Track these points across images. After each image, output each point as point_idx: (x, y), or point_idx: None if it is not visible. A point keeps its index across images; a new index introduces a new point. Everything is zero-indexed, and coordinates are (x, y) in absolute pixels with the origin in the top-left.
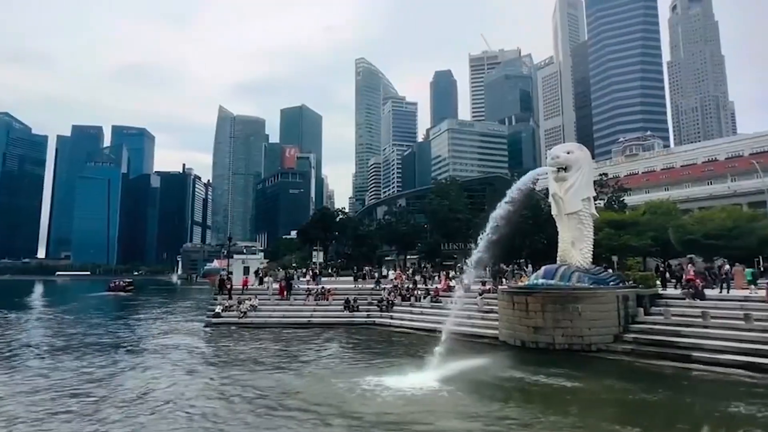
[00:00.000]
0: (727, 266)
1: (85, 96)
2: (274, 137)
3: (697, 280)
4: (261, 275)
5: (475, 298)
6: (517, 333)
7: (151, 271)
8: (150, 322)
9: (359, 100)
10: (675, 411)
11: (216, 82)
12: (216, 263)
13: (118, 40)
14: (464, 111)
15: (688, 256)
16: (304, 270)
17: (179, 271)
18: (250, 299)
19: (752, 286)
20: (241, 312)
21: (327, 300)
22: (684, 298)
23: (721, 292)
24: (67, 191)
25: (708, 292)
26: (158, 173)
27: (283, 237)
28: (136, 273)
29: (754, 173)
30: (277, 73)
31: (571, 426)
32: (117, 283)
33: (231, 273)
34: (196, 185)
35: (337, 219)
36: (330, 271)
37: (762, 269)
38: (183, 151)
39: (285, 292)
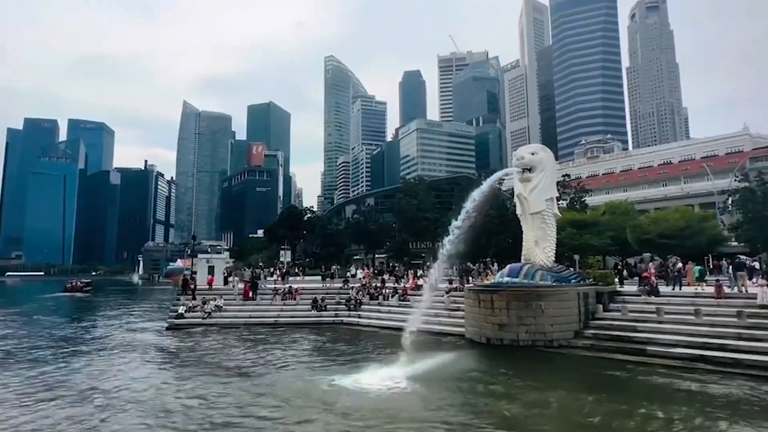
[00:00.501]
0: (680, 264)
1: (38, 87)
2: (241, 134)
3: (652, 278)
4: (226, 275)
5: (443, 296)
6: (482, 330)
7: (110, 271)
8: (109, 323)
9: (328, 98)
10: (628, 405)
11: (180, 77)
12: (179, 263)
13: (76, 29)
14: (433, 111)
15: (644, 254)
16: (272, 269)
17: (140, 271)
18: (215, 299)
19: (702, 283)
20: (206, 312)
21: (294, 300)
22: (640, 295)
23: (674, 288)
24: (19, 187)
25: (662, 288)
26: (118, 170)
27: (250, 236)
28: (93, 273)
29: (704, 176)
30: (245, 69)
31: (531, 419)
32: (74, 283)
33: (195, 273)
34: (159, 182)
35: (306, 218)
36: (296, 270)
37: (711, 267)
38: (145, 147)
39: (250, 293)
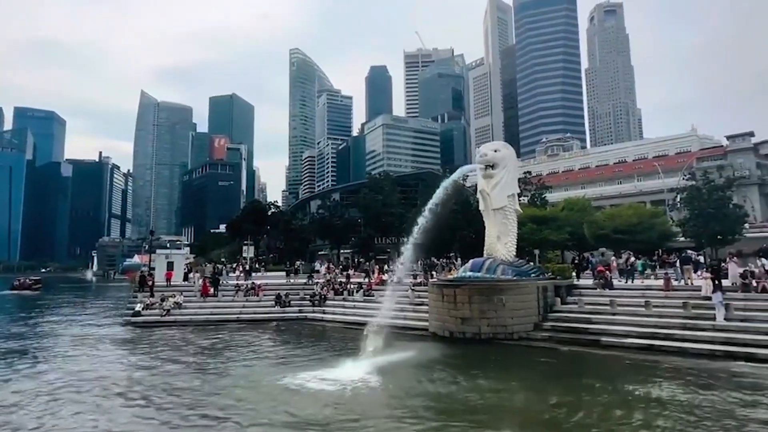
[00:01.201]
0: (633, 258)
1: None
2: (202, 126)
3: (606, 272)
4: (186, 270)
5: (407, 291)
6: (446, 324)
7: (62, 268)
8: (60, 322)
9: (293, 91)
10: (581, 389)
11: (138, 66)
12: (137, 258)
13: (25, 11)
14: (399, 107)
15: (600, 249)
16: (234, 265)
17: (94, 268)
18: (175, 296)
19: (642, 276)
20: (164, 310)
21: (257, 296)
22: (595, 288)
23: (626, 282)
24: None
25: (616, 282)
26: (70, 161)
27: (212, 231)
28: (43, 270)
29: (656, 174)
30: (207, 60)
31: (490, 408)
32: (22, 281)
33: (153, 269)
34: (115, 175)
35: (270, 212)
36: (257, 266)
37: (660, 261)
38: (100, 138)
39: (211, 289)
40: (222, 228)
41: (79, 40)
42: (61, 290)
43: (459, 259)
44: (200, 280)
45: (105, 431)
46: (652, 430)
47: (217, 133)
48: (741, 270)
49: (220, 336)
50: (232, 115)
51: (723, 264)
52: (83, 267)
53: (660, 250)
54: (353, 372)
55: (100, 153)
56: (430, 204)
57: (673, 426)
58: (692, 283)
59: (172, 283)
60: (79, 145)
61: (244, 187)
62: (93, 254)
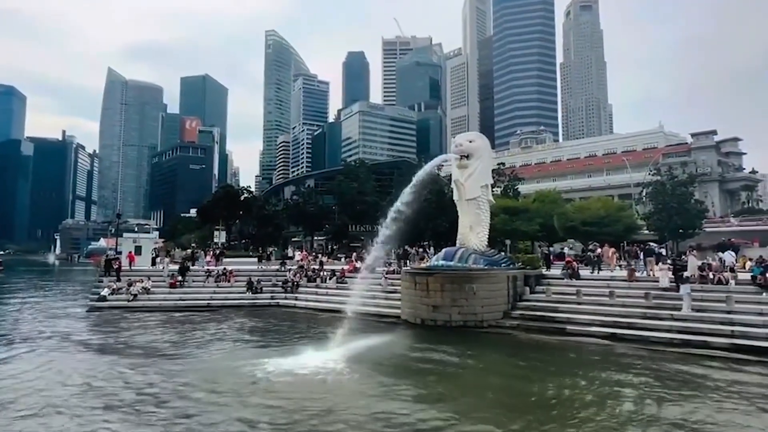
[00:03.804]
0: (599, 249)
1: None
2: (173, 107)
3: (574, 263)
4: (154, 255)
5: (380, 279)
6: (417, 312)
7: (22, 250)
8: (21, 307)
9: (269, 74)
10: (545, 374)
11: (105, 41)
12: (102, 242)
13: None
14: (376, 94)
15: (569, 240)
16: (204, 251)
17: (57, 251)
18: (142, 281)
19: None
20: (131, 295)
21: (228, 282)
22: (563, 278)
23: (593, 272)
24: None
25: (583, 273)
26: (31, 139)
27: (182, 215)
28: (2, 252)
29: (624, 169)
30: (178, 38)
31: (458, 396)
32: None
33: (120, 253)
34: (79, 155)
35: (242, 197)
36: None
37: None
38: (63, 116)
39: (179, 279)
40: (193, 212)
41: (40, 10)
42: (22, 273)
43: (432, 248)
44: (171, 266)
45: (74, 412)
46: (599, 407)
47: (188, 115)
48: (699, 263)
49: (189, 321)
50: (204, 96)
51: (683, 257)
52: (45, 250)
53: (625, 242)
54: (325, 359)
55: (64, 132)
56: (405, 193)
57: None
58: (655, 275)
59: (134, 267)
60: (40, 123)
61: (216, 171)
62: (56, 237)
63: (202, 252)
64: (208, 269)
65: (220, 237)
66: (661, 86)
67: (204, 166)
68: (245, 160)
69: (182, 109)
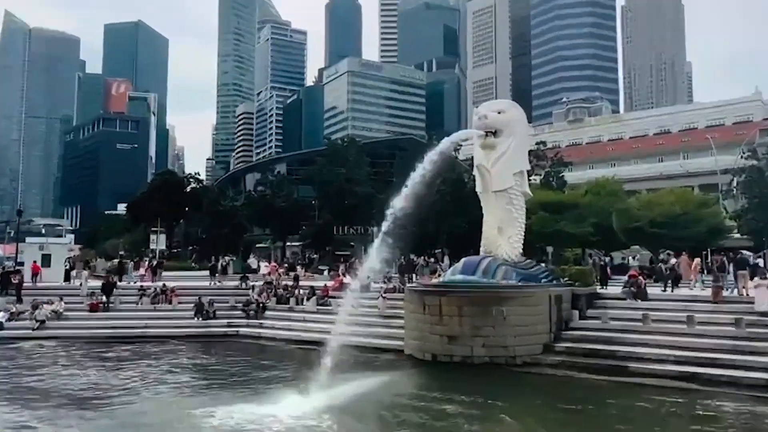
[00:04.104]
0: (674, 260)
1: None
2: (95, 65)
3: (640, 277)
4: (68, 267)
5: (377, 299)
6: (427, 344)
7: None
8: None
9: (224, 21)
10: None
11: None
12: None
13: None
14: (371, 49)
15: (633, 247)
16: (136, 261)
17: None
18: (52, 303)
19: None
20: (36, 321)
21: (170, 303)
22: (625, 298)
23: (665, 290)
24: None
25: (653, 291)
26: None
27: (106, 213)
28: None
29: (707, 150)
30: None
31: None
32: None
33: (21, 264)
34: None
35: (188, 188)
36: (162, 261)
37: (710, 264)
38: None
39: (102, 301)
40: (121, 209)
41: None
42: None
43: (447, 257)
44: (92, 281)
45: None
46: None
47: (114, 76)
48: None
49: (116, 356)
50: (137, 51)
51: None
52: None
53: (708, 250)
54: (301, 409)
55: None
56: (411, 182)
57: None
58: (748, 294)
59: (41, 284)
60: None
61: (152, 152)
62: None
63: (134, 263)
64: (142, 286)
65: (158, 242)
66: (758, 40)
67: (136, 145)
68: (193, 138)
69: (106, 68)
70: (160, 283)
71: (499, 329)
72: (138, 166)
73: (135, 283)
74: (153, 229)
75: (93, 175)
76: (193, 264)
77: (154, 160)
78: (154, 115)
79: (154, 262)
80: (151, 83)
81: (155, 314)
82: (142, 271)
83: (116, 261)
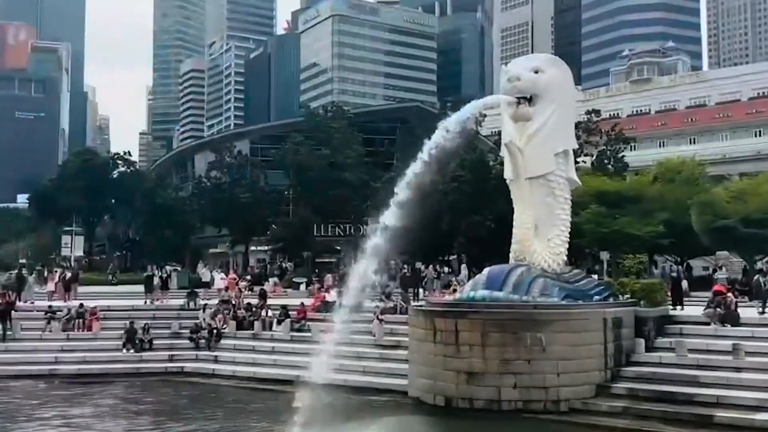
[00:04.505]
0: None
1: None
2: None
3: (729, 294)
4: None
5: (371, 323)
6: (439, 384)
7: None
8: None
9: None
10: None
11: None
12: None
13: None
14: None
15: (719, 253)
16: (43, 273)
17: None
18: None
19: None
20: None
21: (89, 329)
22: (708, 323)
23: (763, 311)
24: None
25: (746, 312)
26: None
27: (1, 206)
28: None
29: None
30: None
31: None
32: None
33: None
34: None
35: (115, 173)
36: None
37: None
38: None
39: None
40: (22, 201)
41: None
42: None
43: (465, 266)
44: None
45: None
46: None
47: (11, 20)
48: None
49: (14, 406)
50: None
51: None
52: None
53: None
54: None
55: None
56: (416, 166)
57: None
58: None
59: None
60: None
61: (65, 123)
62: None
63: (38, 274)
64: (50, 306)
65: (73, 247)
66: None
67: (42, 114)
68: (121, 105)
69: (2, 10)
70: (76, 303)
71: (536, 364)
72: (45, 142)
73: (37, 303)
74: (66, 229)
75: None
76: (111, 277)
77: (67, 135)
78: (67, 73)
79: (68, 274)
80: (62, 30)
81: (69, 344)
82: (51, 286)
83: (14, 273)
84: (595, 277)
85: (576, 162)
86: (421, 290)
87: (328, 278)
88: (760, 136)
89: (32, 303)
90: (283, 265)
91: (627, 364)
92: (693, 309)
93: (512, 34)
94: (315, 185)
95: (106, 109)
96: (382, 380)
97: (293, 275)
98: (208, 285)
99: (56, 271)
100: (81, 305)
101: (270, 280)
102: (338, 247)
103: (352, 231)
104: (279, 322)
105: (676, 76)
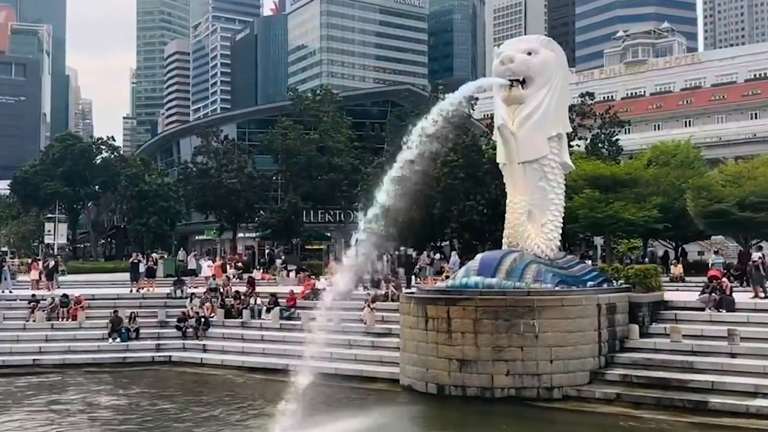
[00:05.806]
0: (758, 253)
1: None
2: None
3: (725, 279)
4: None
5: (362, 310)
6: (431, 371)
7: None
8: None
9: None
10: None
11: None
12: None
13: None
14: None
15: (714, 237)
16: (25, 260)
17: None
18: None
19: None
20: None
21: (74, 318)
22: (703, 308)
23: (759, 296)
24: None
25: (741, 297)
26: None
27: None
28: None
29: None
30: None
31: None
32: None
33: None
34: None
35: (99, 159)
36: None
37: None
38: None
39: None
40: (3, 186)
41: None
42: None
43: (457, 252)
44: None
45: None
46: None
47: None
48: None
49: None
50: None
51: None
52: None
53: None
54: None
55: None
56: (408, 150)
57: None
58: None
59: None
60: None
61: (47, 107)
62: None
63: (21, 262)
64: (34, 296)
65: (56, 234)
66: None
67: (23, 97)
68: (104, 88)
69: None
70: (60, 292)
71: (530, 351)
72: (26, 127)
73: (12, 289)
74: (49, 216)
75: None
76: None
77: (49, 119)
78: (48, 55)
79: (51, 262)
80: (42, 11)
81: (53, 335)
82: (34, 274)
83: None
84: (589, 263)
85: (570, 146)
86: (413, 277)
87: (332, 265)
88: (756, 118)
89: (11, 292)
90: (272, 252)
91: (621, 350)
92: (687, 294)
93: (505, 15)
94: (304, 170)
95: (88, 92)
96: (373, 368)
97: (283, 264)
98: (194, 273)
99: (39, 261)
100: (64, 295)
101: (276, 261)
102: (328, 234)
103: (342, 217)
104: (268, 310)
105: (671, 57)
